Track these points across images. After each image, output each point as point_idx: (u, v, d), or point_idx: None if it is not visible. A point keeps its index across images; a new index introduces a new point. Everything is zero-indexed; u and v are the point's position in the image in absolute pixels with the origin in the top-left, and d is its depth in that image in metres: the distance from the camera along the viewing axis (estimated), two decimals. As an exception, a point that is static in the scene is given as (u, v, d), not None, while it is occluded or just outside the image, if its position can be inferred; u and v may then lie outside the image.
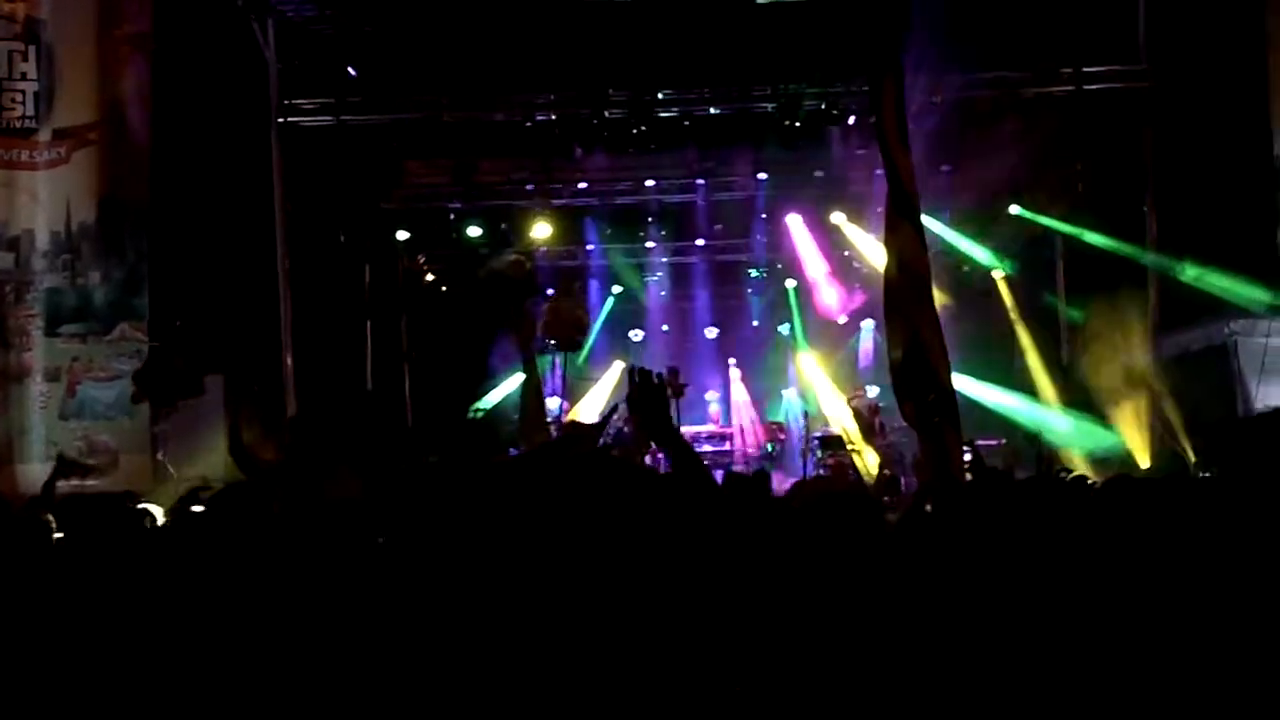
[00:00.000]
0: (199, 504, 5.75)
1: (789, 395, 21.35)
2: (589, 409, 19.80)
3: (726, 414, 21.24)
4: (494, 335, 19.82)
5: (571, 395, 19.67)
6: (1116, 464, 13.67)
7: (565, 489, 2.21)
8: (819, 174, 18.39)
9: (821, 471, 16.02)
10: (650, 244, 20.81)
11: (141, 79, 13.01)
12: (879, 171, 17.84)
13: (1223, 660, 2.04)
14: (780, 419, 20.77)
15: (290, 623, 2.90)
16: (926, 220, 18.08)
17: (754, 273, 21.61)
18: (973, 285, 18.32)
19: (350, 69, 15.81)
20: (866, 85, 15.08)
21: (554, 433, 14.72)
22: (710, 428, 20.44)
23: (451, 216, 19.30)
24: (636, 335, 21.44)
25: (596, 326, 21.59)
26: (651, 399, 3.05)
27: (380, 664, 2.24)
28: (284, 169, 14.89)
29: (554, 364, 20.09)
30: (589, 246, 20.55)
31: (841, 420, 18.22)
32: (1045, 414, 16.03)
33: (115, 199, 12.85)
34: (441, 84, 15.84)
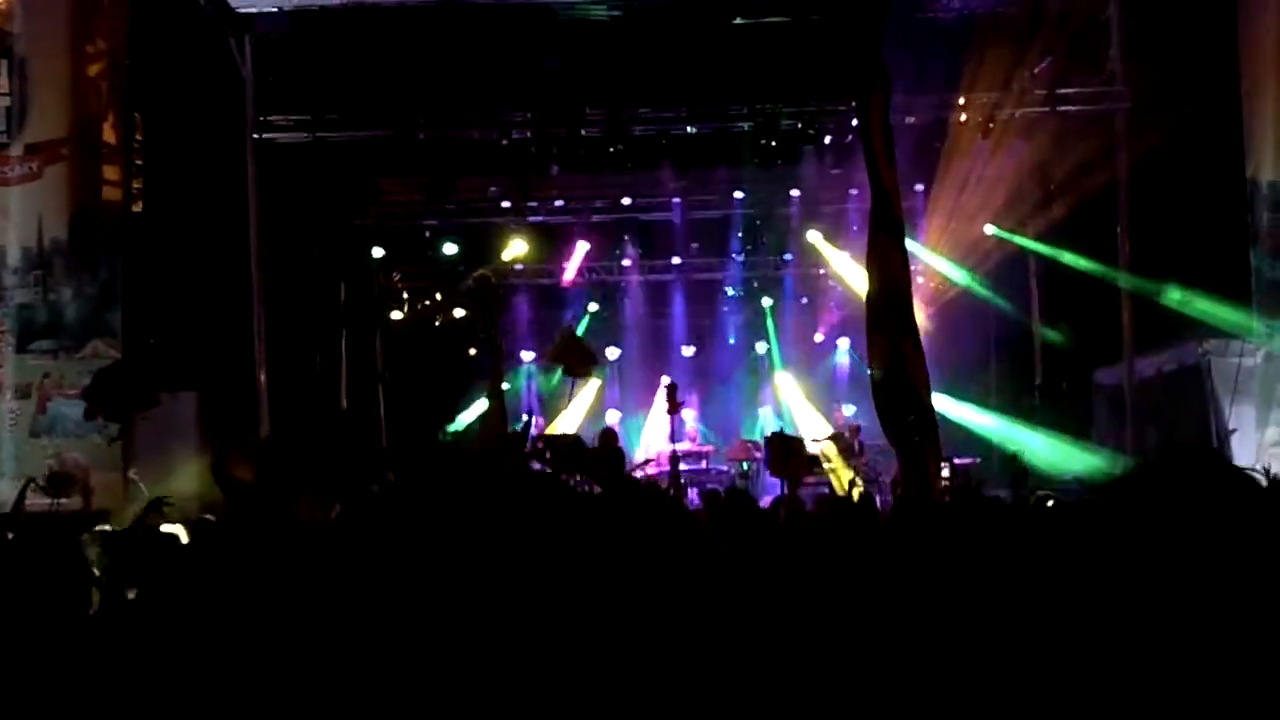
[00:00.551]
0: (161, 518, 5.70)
1: (764, 414, 21.35)
2: (565, 426, 19.77)
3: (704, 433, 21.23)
4: (466, 353, 19.81)
5: (546, 412, 19.61)
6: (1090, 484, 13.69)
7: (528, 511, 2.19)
8: (795, 192, 18.44)
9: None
10: (626, 262, 20.83)
11: (115, 94, 12.94)
12: (853, 191, 18.07)
13: (1198, 676, 2.03)
14: (756, 438, 20.74)
15: (250, 645, 2.86)
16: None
17: (730, 291, 21.64)
18: (949, 305, 18.38)
19: (326, 86, 15.76)
20: (851, 104, 15.27)
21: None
22: (687, 445, 20.42)
23: (427, 234, 19.30)
24: (613, 353, 21.41)
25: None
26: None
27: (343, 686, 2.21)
28: (259, 185, 14.83)
29: (528, 382, 20.08)
30: (565, 264, 20.54)
31: (818, 439, 18.21)
32: (1021, 434, 16.05)
33: (88, 214, 12.76)
34: (417, 101, 15.81)
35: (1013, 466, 13.71)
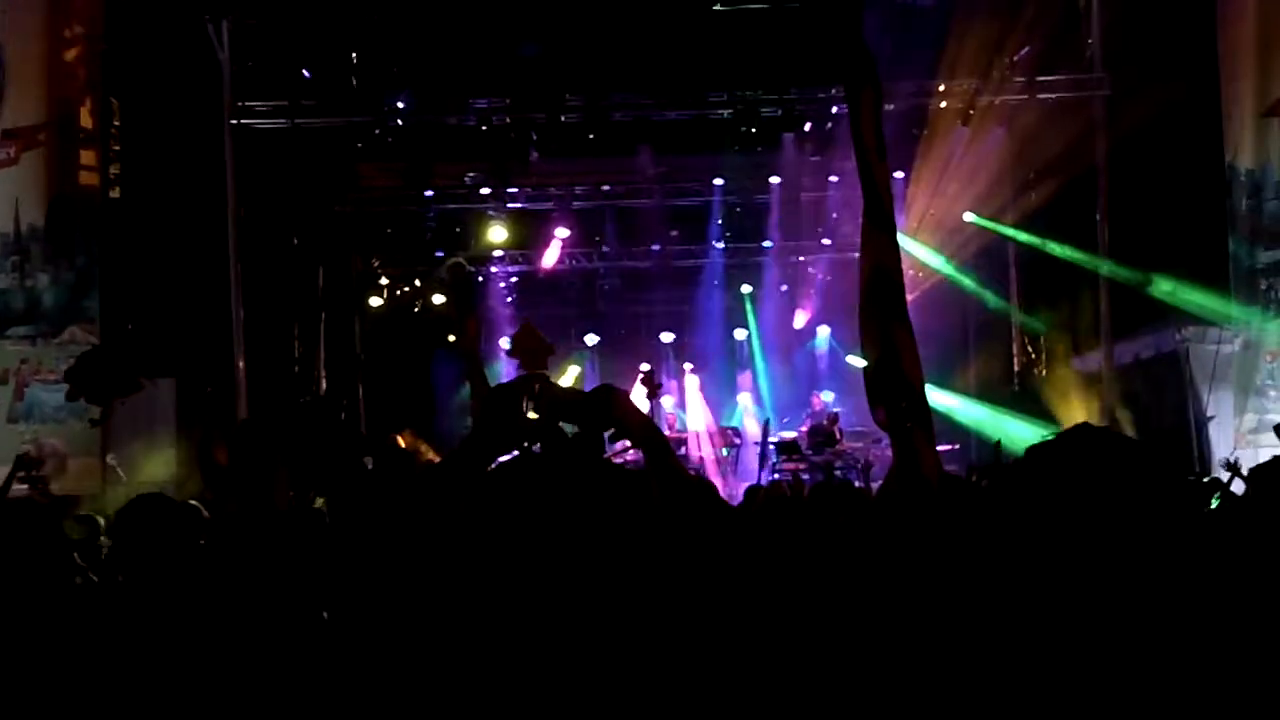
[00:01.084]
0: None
1: (743, 401, 21.38)
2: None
3: (682, 420, 21.24)
4: (445, 339, 19.78)
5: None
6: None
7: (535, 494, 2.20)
8: (775, 179, 18.45)
9: (777, 477, 16.02)
10: (606, 248, 20.80)
11: (92, 80, 12.86)
12: (833, 178, 18.10)
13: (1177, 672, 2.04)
14: (735, 424, 20.78)
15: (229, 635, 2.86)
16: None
17: (711, 278, 21.65)
18: (929, 291, 18.42)
19: (304, 71, 15.69)
20: (831, 90, 15.28)
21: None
22: (666, 431, 20.41)
23: (406, 220, 19.25)
24: (592, 339, 21.40)
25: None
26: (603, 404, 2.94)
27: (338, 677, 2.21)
28: (237, 171, 14.74)
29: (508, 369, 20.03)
30: (545, 249, 20.51)
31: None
32: (999, 420, 16.11)
33: (65, 200, 12.69)
34: (395, 87, 15.75)
35: (995, 453, 13.79)
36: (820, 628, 2.65)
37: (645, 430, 2.79)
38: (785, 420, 19.56)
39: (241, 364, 14.51)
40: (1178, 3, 13.08)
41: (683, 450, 18.89)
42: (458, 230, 19.87)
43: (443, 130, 16.55)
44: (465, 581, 2.16)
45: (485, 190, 18.57)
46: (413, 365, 19.62)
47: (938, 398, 16.59)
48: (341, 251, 18.83)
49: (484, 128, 16.22)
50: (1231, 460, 9.89)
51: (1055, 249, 15.72)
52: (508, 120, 16.21)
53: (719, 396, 21.55)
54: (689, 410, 20.93)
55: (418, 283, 20.52)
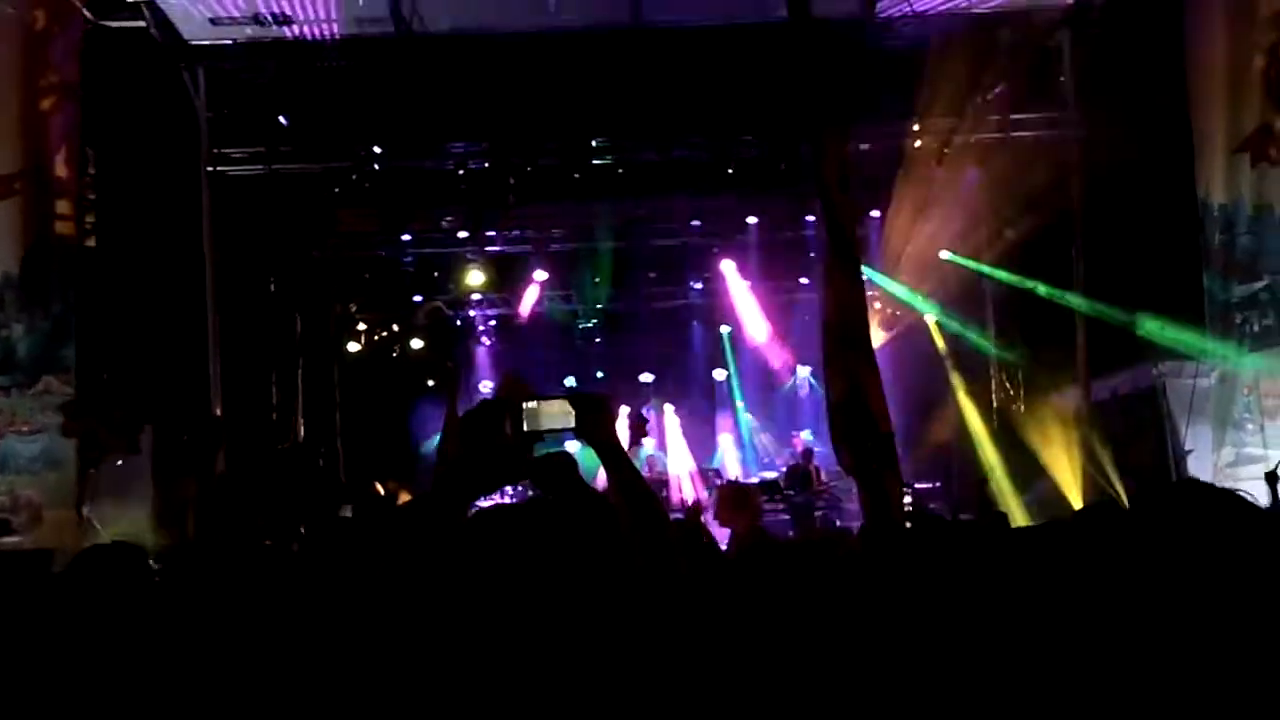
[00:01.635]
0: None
1: (724, 442, 21.39)
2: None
3: (663, 461, 21.22)
4: (424, 384, 19.75)
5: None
6: (1050, 506, 13.77)
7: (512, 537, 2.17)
8: (753, 220, 18.51)
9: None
10: (585, 291, 20.85)
11: (69, 128, 12.82)
12: (810, 218, 18.15)
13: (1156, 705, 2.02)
14: (715, 465, 20.78)
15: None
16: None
17: (690, 319, 21.70)
18: (907, 330, 18.48)
19: (281, 118, 15.70)
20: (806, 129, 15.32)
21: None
22: (645, 472, 20.37)
23: (384, 266, 19.26)
24: (570, 382, 21.40)
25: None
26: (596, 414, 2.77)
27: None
28: (214, 218, 14.72)
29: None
30: (523, 293, 20.53)
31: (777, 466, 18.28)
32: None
33: (41, 249, 12.62)
34: (373, 133, 15.77)
35: (981, 490, 13.80)
36: (827, 686, 2.62)
37: (623, 462, 2.65)
38: (765, 461, 19.55)
39: (219, 410, 14.43)
40: (1148, 41, 13.18)
41: (664, 493, 18.87)
42: (435, 274, 19.87)
43: (420, 175, 16.58)
44: (435, 632, 2.14)
45: (463, 234, 18.61)
46: (391, 411, 19.58)
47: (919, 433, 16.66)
48: (319, 297, 18.80)
49: (461, 172, 16.25)
50: (1276, 470, 9.94)
51: (1031, 286, 15.79)
52: (486, 165, 16.24)
53: (699, 437, 21.55)
54: (670, 452, 20.93)
55: (395, 328, 20.51)
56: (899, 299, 18.43)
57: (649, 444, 21.09)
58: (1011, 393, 16.73)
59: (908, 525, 7.99)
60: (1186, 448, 12.67)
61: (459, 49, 14.43)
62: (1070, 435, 14.60)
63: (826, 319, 7.50)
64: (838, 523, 15.10)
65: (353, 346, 19.80)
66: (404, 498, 14.27)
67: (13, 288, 12.51)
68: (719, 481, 19.87)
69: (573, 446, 3.23)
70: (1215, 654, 1.97)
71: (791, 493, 16.88)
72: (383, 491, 14.01)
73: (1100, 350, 14.77)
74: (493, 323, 21.70)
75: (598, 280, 20.56)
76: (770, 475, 18.04)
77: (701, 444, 21.51)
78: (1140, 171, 13.05)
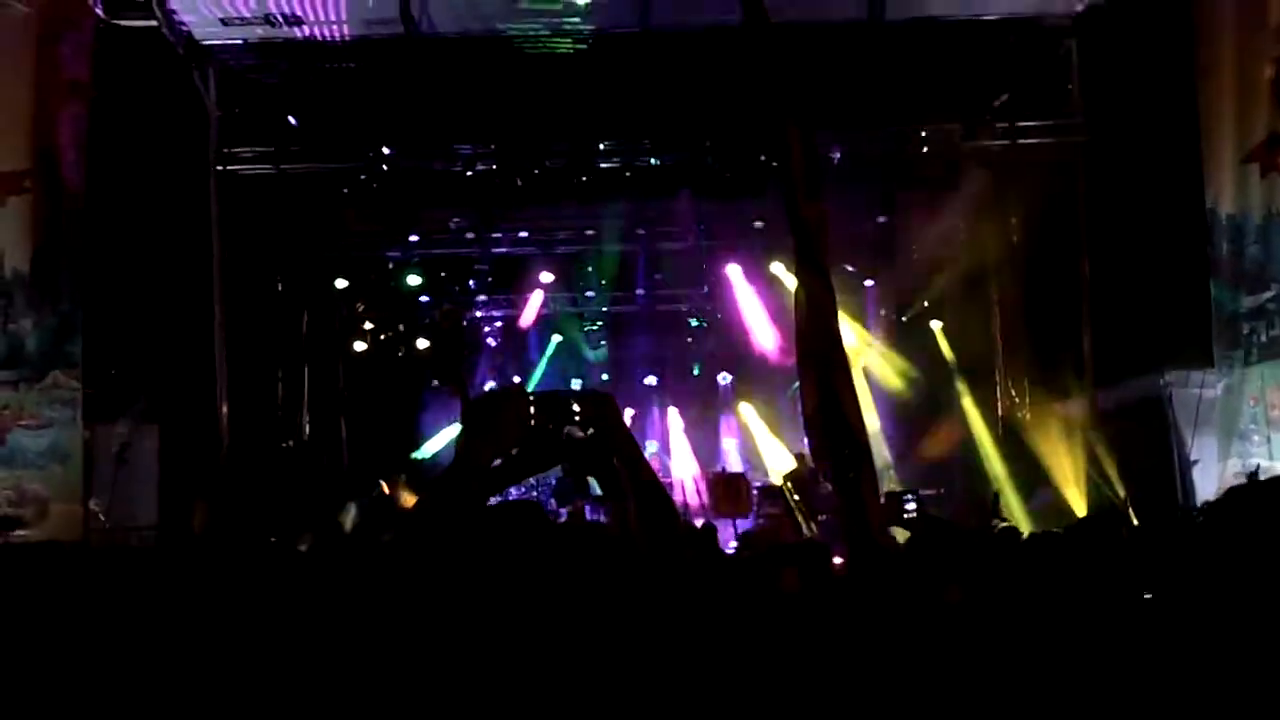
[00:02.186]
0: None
1: (727, 445, 21.38)
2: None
3: (666, 465, 21.22)
4: (429, 384, 19.77)
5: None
6: (1054, 515, 13.77)
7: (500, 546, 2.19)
8: (759, 224, 18.51)
9: (762, 522, 16.00)
10: (590, 293, 20.86)
11: (78, 126, 12.86)
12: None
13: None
14: (719, 469, 20.76)
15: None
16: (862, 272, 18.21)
17: (694, 322, 21.69)
18: (911, 335, 18.48)
19: (290, 118, 15.74)
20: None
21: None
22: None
23: (390, 265, 19.29)
24: (576, 384, 21.41)
25: (537, 375, 21.59)
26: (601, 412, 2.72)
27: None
28: (222, 217, 14.74)
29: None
30: (528, 295, 20.56)
31: (780, 470, 18.25)
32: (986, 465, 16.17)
33: (50, 245, 12.66)
34: (382, 133, 15.80)
35: (990, 499, 13.77)
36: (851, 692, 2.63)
37: (635, 455, 2.63)
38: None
39: (225, 408, 14.45)
40: (1157, 49, 13.17)
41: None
42: (442, 275, 19.91)
43: (428, 176, 16.60)
44: (444, 629, 2.16)
45: (469, 235, 18.64)
46: (396, 410, 19.60)
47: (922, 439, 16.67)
48: (325, 296, 18.82)
49: (469, 174, 16.28)
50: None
51: (1038, 293, 15.78)
52: (493, 166, 16.27)
53: (703, 441, 21.55)
54: (674, 455, 20.94)
55: (401, 327, 20.54)
56: (903, 305, 18.44)
57: (652, 446, 21.12)
58: (1017, 400, 16.72)
59: (884, 535, 7.92)
60: (1192, 458, 12.65)
61: (467, 51, 14.46)
62: (1075, 444, 14.60)
63: (797, 328, 7.40)
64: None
65: (359, 346, 19.81)
66: (407, 497, 14.30)
67: (22, 284, 12.56)
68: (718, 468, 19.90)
69: None
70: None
71: (798, 498, 16.86)
72: (387, 491, 14.05)
73: (1106, 359, 14.76)
74: (497, 324, 21.71)
75: (603, 282, 20.59)
76: (774, 481, 18.01)
77: (706, 447, 21.50)
78: (1148, 180, 13.05)
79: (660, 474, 19.36)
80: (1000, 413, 17.13)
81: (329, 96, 15.19)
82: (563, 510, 15.23)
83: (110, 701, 2.79)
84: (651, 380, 21.89)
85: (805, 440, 18.33)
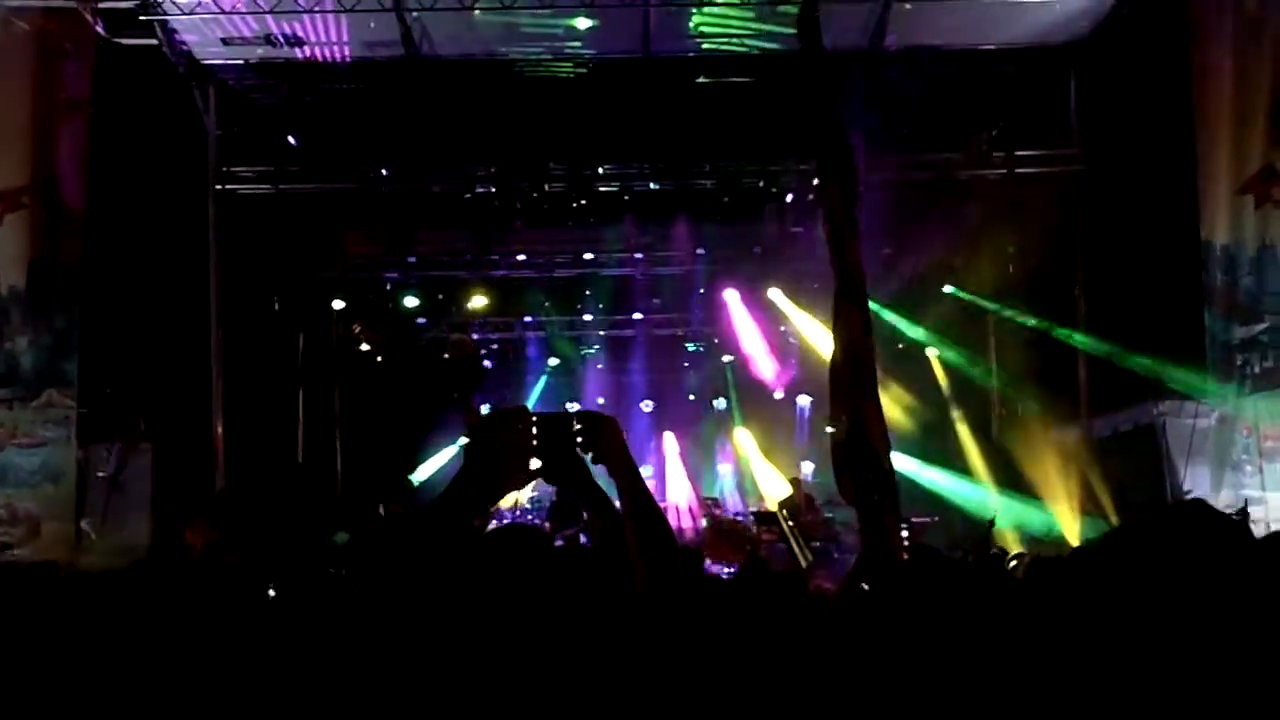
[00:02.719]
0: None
1: (723, 470, 21.36)
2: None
3: (662, 490, 21.19)
4: (432, 412, 19.73)
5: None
6: (1049, 543, 13.74)
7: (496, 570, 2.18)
8: (757, 250, 18.54)
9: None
10: (588, 317, 20.86)
11: (78, 143, 12.88)
12: (814, 248, 18.15)
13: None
14: (714, 495, 20.75)
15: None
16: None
17: (691, 347, 21.69)
18: (908, 363, 18.47)
19: (290, 138, 15.77)
20: (813, 166, 15.39)
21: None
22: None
23: (388, 286, 19.29)
24: (572, 408, 21.39)
25: (533, 398, 21.59)
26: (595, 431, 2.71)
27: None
28: (220, 236, 14.75)
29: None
30: (527, 318, 20.57)
31: (776, 496, 18.23)
32: (979, 492, 16.12)
33: (46, 263, 12.67)
34: (381, 154, 15.83)
35: (984, 528, 13.74)
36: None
37: (634, 476, 2.62)
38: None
39: (220, 429, 14.42)
40: (1154, 80, 13.24)
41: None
42: (440, 297, 19.91)
43: (427, 198, 16.62)
44: (440, 647, 2.15)
45: (468, 257, 18.66)
46: (392, 433, 19.56)
47: (918, 469, 16.63)
48: (322, 317, 18.81)
49: (468, 196, 16.31)
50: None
51: (1033, 322, 15.81)
52: (492, 189, 16.30)
53: (699, 466, 21.54)
54: (669, 481, 20.92)
55: (398, 349, 20.52)
56: (902, 332, 18.43)
57: (646, 472, 21.09)
58: (1012, 428, 16.71)
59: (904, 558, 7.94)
60: (1186, 488, 12.65)
61: (467, 74, 14.50)
62: (1070, 471, 14.59)
63: (833, 358, 7.51)
64: (835, 555, 15.05)
65: (355, 367, 19.79)
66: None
67: (18, 300, 12.55)
68: (717, 511, 19.86)
69: None
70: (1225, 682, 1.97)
71: (792, 524, 16.82)
72: (384, 514, 14.00)
73: (1101, 387, 14.77)
74: (494, 345, 21.71)
75: (600, 306, 20.59)
76: (771, 507, 17.98)
77: (701, 472, 21.48)
78: (1143, 209, 13.09)
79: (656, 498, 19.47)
80: (995, 440, 17.12)
81: (329, 117, 15.22)
82: (559, 536, 15.20)
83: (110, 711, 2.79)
84: (648, 405, 21.88)
85: (801, 467, 18.46)
